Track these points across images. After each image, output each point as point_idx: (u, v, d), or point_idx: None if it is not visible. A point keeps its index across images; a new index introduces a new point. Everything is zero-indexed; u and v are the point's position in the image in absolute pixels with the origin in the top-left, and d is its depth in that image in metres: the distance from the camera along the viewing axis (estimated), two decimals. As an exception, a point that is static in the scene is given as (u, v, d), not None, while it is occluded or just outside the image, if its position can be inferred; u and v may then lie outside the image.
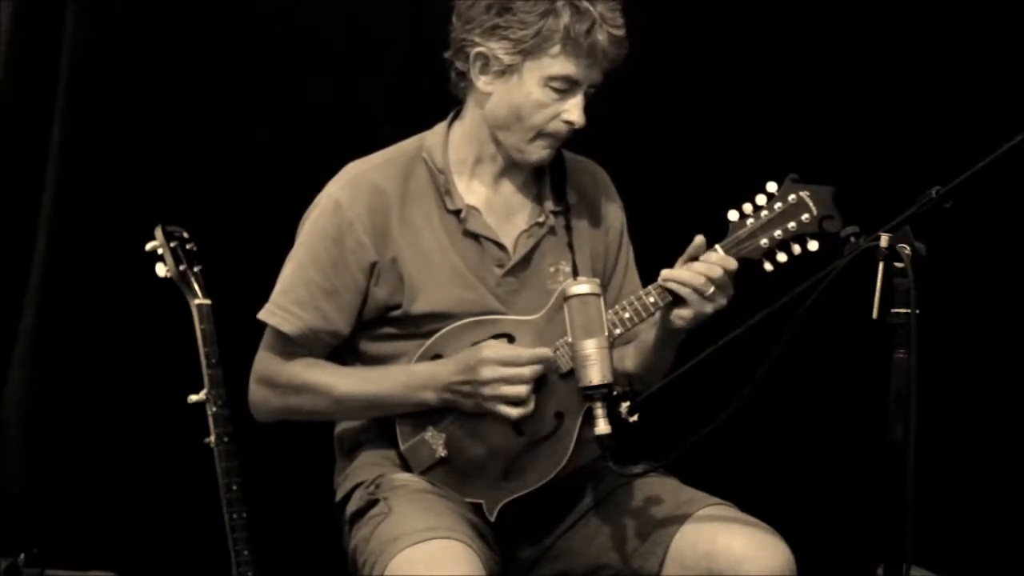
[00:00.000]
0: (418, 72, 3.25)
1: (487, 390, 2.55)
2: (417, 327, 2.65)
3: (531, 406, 2.56)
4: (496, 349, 2.56)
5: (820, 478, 3.51)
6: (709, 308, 2.53)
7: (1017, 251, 3.47)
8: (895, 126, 3.47)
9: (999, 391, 3.51)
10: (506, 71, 2.59)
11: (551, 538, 2.70)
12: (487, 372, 2.55)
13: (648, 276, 2.75)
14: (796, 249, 2.58)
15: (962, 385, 3.47)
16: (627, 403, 2.49)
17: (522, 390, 2.55)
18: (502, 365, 2.54)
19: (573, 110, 2.60)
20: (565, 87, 2.59)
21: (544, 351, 2.57)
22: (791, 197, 2.58)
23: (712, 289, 2.52)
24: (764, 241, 2.57)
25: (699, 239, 2.56)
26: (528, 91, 2.59)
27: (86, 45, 3.35)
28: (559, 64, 2.57)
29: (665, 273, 2.56)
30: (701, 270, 2.52)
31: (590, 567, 2.67)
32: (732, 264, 2.54)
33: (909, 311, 2.28)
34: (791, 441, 3.52)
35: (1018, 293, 3.48)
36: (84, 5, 3.35)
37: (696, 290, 2.52)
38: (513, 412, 2.56)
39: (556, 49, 2.56)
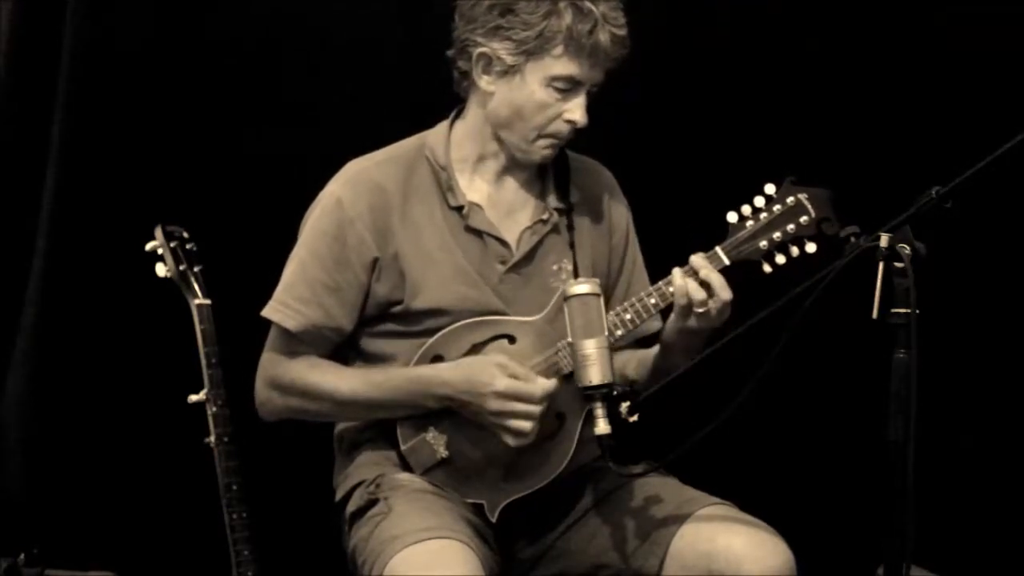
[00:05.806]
0: (418, 72, 3.25)
1: (492, 418, 2.55)
2: (418, 324, 2.65)
3: (533, 437, 2.56)
4: (509, 383, 2.54)
5: (820, 478, 3.51)
6: (716, 318, 2.54)
7: (1017, 251, 3.47)
8: (895, 126, 3.46)
9: (999, 391, 3.51)
10: (508, 71, 2.59)
11: (551, 538, 2.70)
12: (495, 404, 2.54)
13: (649, 276, 2.76)
14: (794, 251, 2.59)
15: (962, 385, 3.47)
16: (627, 403, 2.49)
17: (528, 426, 2.54)
18: (513, 400, 2.54)
19: (576, 110, 2.60)
20: (568, 87, 2.59)
21: (554, 383, 2.56)
22: (789, 199, 2.59)
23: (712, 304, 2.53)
24: (763, 243, 2.58)
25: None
26: (531, 91, 2.59)
27: (86, 45, 3.35)
28: (561, 64, 2.57)
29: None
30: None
31: (590, 567, 2.67)
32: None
33: (909, 311, 2.28)
34: (791, 441, 3.52)
35: (1018, 293, 3.48)
36: (84, 5, 3.34)
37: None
38: (513, 442, 2.56)
39: (559, 50, 2.56)
